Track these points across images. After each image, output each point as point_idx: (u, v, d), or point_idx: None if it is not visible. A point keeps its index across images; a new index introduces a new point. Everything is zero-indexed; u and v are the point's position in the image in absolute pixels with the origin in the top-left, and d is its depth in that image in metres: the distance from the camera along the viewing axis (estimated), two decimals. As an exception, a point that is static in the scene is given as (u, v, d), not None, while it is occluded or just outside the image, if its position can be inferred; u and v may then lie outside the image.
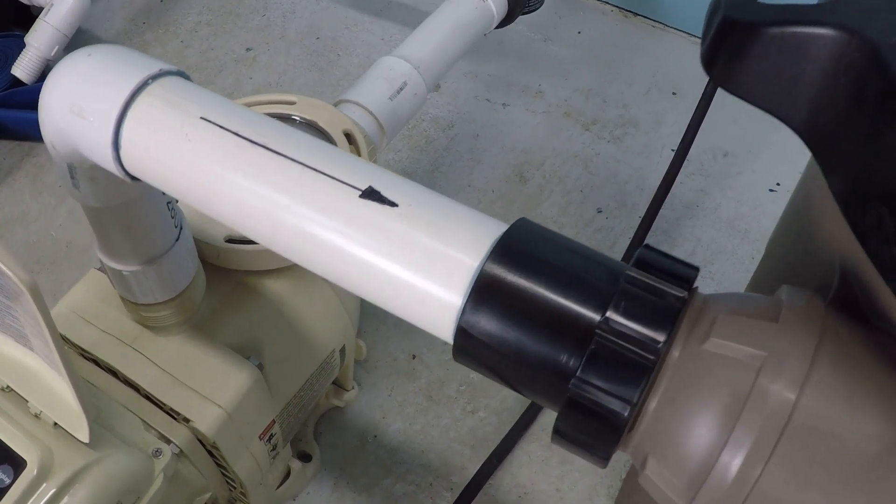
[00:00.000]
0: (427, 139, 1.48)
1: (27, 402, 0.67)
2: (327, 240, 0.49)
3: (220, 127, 0.52)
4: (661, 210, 1.27)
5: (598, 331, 0.41)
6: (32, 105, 1.59)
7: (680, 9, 1.72)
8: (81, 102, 0.56)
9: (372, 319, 1.25)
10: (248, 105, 0.95)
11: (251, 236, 0.53)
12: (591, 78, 1.61)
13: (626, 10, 1.78)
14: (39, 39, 1.47)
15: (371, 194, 0.48)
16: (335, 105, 1.01)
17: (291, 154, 0.50)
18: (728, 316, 0.42)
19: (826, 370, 0.39)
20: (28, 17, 1.56)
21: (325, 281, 0.94)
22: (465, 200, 1.32)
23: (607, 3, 1.79)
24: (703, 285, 1.28)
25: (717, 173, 1.45)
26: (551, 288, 0.44)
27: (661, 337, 0.40)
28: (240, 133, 0.51)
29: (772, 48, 0.41)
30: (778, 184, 1.42)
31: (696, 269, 0.44)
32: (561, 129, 1.51)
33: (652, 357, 0.40)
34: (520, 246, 0.46)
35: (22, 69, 1.47)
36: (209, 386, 0.80)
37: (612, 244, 1.35)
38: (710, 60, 0.44)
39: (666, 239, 1.36)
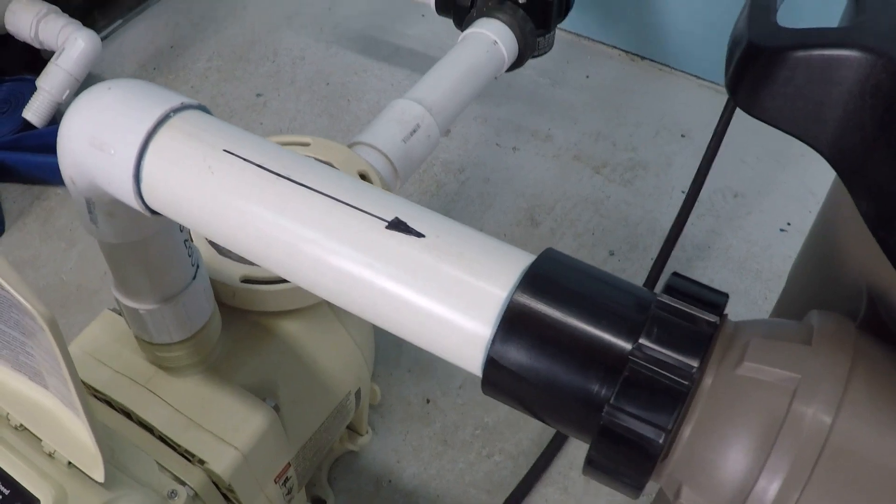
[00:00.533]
0: (438, 184, 1.49)
1: (41, 440, 0.66)
2: (354, 272, 0.48)
3: (244, 159, 0.52)
4: (673, 251, 1.27)
5: (630, 358, 0.41)
6: (43, 148, 1.59)
7: (686, 51, 1.73)
8: (102, 135, 0.56)
9: (385, 364, 1.24)
10: (263, 146, 0.95)
11: (276, 270, 0.53)
12: (600, 121, 1.62)
13: (633, 54, 1.79)
14: (51, 83, 1.48)
15: (398, 225, 0.48)
16: (349, 147, 1.01)
17: (316, 186, 0.50)
18: (761, 340, 0.41)
19: (861, 392, 0.39)
20: (39, 61, 1.57)
21: (340, 323, 0.93)
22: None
23: (614, 47, 1.80)
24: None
25: (727, 214, 1.45)
26: (582, 317, 0.43)
27: (694, 362, 0.40)
28: (264, 165, 0.51)
29: (798, 72, 0.41)
30: (788, 223, 1.42)
31: (726, 296, 0.43)
32: (571, 173, 1.52)
33: (686, 383, 0.40)
34: (548, 276, 0.46)
35: (33, 112, 1.48)
36: (225, 427, 0.79)
37: (625, 286, 1.34)
38: (735, 86, 0.44)
39: (678, 280, 1.35)
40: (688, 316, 0.41)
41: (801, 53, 0.41)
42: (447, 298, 0.46)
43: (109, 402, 0.80)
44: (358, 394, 0.98)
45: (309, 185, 0.50)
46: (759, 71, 0.42)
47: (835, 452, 0.38)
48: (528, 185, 1.49)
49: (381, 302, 0.48)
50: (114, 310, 0.87)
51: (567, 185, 1.49)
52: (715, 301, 0.42)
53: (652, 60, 1.78)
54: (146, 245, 0.66)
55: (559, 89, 1.69)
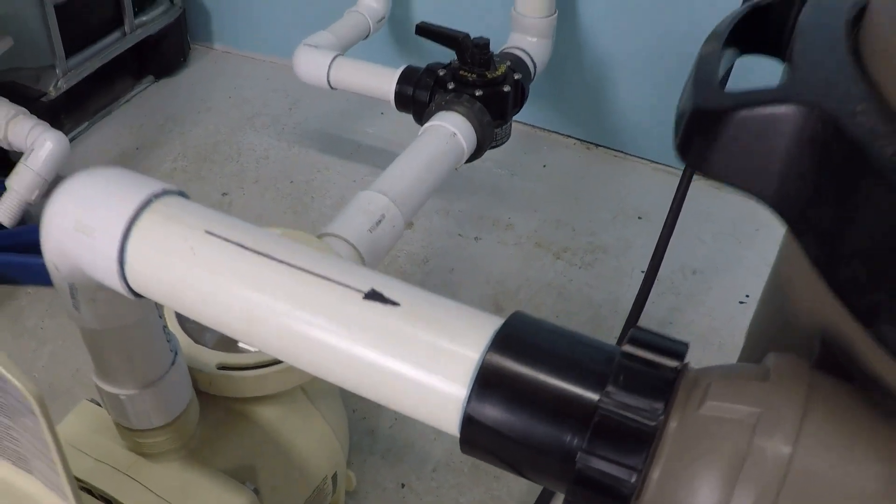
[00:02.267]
0: (403, 275, 1.51)
1: (25, 529, 0.67)
2: (335, 343, 0.50)
3: (224, 239, 0.54)
4: (635, 329, 1.30)
5: (600, 405, 0.43)
6: (14, 248, 1.57)
7: (639, 137, 1.80)
8: (86, 220, 0.58)
9: (359, 452, 1.25)
10: (234, 238, 0.98)
11: (259, 344, 0.55)
12: (559, 208, 1.67)
13: (588, 142, 1.85)
14: (20, 183, 1.49)
15: (374, 296, 0.50)
16: (318, 238, 1.04)
17: (295, 262, 0.53)
18: (721, 380, 0.44)
19: (818, 421, 0.41)
20: (6, 162, 1.60)
21: (315, 408, 0.95)
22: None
23: (569, 136, 1.86)
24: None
25: (687, 291, 1.49)
26: (552, 371, 0.46)
27: (659, 405, 0.42)
28: (244, 244, 0.54)
29: (742, 130, 0.44)
30: (747, 296, 1.46)
31: (686, 344, 0.46)
32: (533, 259, 1.55)
33: (653, 424, 0.42)
34: (517, 335, 0.48)
35: (2, 212, 1.50)
36: (206, 511, 0.80)
37: (591, 366, 1.37)
38: (685, 149, 0.47)
39: (643, 358, 1.38)
40: (651, 363, 0.44)
41: (743, 113, 0.44)
42: (424, 363, 0.48)
43: (90, 491, 0.81)
44: (335, 478, 0.99)
45: (289, 262, 0.53)
46: (706, 132, 0.46)
47: (796, 481, 0.40)
48: (492, 273, 1.53)
49: (362, 370, 0.50)
50: (91, 400, 0.88)
51: (530, 272, 1.53)
52: (676, 350, 0.45)
53: (607, 147, 1.84)
54: (127, 330, 0.68)
55: (518, 180, 1.74)
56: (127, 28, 1.94)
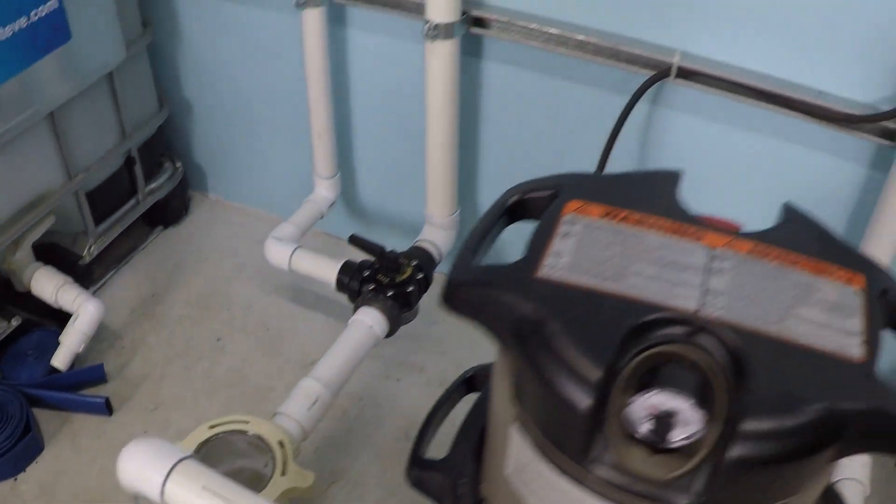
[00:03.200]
0: (342, 410, 2.10)
1: None
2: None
3: (213, 492, 1.17)
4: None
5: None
6: (68, 387, 2.24)
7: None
8: (144, 473, 1.21)
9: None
10: (220, 424, 1.59)
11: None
12: (461, 351, 2.24)
13: (492, 293, 2.45)
14: (71, 340, 2.06)
15: (277, 522, 1.13)
16: (273, 416, 1.66)
17: None
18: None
19: None
20: (56, 310, 2.14)
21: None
22: (369, 459, 1.96)
23: (477, 287, 2.46)
24: None
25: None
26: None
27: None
28: (222, 494, 1.17)
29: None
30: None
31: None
32: (435, 396, 2.14)
33: None
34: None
35: (59, 361, 2.06)
36: None
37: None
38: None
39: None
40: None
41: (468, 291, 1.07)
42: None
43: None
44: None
45: None
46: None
47: None
48: (407, 409, 2.10)
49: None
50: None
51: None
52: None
53: (505, 296, 2.43)
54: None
55: (434, 327, 2.29)
56: (140, 197, 2.43)
